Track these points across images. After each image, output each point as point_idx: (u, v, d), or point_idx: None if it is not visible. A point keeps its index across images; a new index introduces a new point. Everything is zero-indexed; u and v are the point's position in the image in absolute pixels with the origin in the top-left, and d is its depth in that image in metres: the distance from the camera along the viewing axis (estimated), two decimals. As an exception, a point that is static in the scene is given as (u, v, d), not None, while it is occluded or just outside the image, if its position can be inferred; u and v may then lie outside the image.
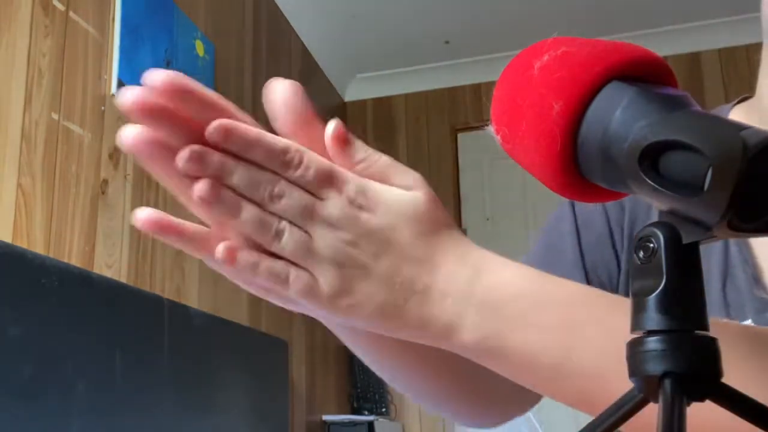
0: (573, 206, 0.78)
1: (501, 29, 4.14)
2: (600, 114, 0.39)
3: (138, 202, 2.37)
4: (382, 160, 0.49)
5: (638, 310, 0.37)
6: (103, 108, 2.25)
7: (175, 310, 2.24)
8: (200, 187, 0.44)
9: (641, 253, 0.38)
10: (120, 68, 2.31)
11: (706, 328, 0.37)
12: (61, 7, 2.11)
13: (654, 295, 0.37)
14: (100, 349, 1.87)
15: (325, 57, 4.33)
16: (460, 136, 4.59)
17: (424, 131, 4.64)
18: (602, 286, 0.74)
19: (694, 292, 0.37)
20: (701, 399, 0.36)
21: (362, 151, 0.48)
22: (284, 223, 0.45)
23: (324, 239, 0.45)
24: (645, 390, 0.37)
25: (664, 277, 0.37)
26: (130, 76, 2.37)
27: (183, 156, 0.43)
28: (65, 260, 1.98)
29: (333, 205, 0.46)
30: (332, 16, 4.02)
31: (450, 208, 4.50)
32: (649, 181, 0.37)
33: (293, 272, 0.46)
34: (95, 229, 2.16)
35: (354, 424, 3.79)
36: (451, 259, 0.48)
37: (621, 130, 0.38)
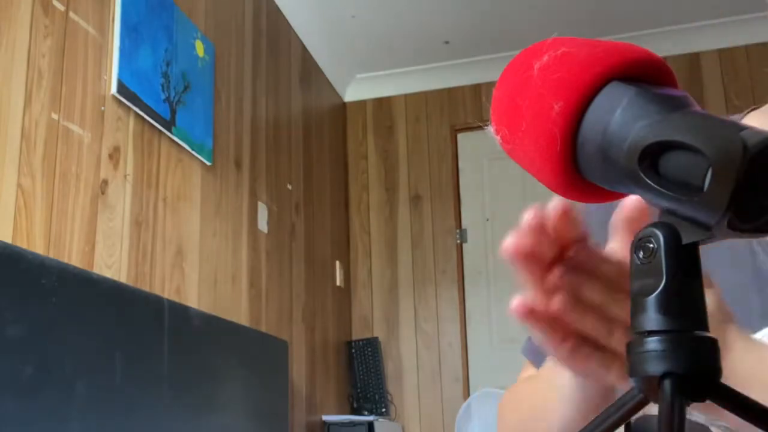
0: None
1: (501, 29, 4.14)
2: (600, 114, 0.39)
3: (138, 202, 2.37)
4: None
5: (638, 310, 0.37)
6: (103, 108, 2.25)
7: (175, 310, 2.24)
8: (557, 300, 0.50)
9: (641, 254, 0.38)
10: (120, 68, 2.31)
11: (706, 328, 0.37)
12: (61, 7, 2.11)
13: (654, 295, 0.37)
14: (100, 349, 1.87)
15: (325, 57, 4.33)
16: (459, 136, 4.59)
17: (424, 131, 4.64)
18: None
19: (694, 292, 0.37)
20: (701, 399, 0.36)
21: None
22: (616, 325, 0.50)
23: None
24: (645, 390, 0.37)
25: (664, 277, 0.37)
26: (130, 76, 2.37)
27: (550, 284, 0.49)
28: (65, 260, 1.98)
29: None
30: (332, 16, 4.02)
31: (450, 208, 4.50)
32: (649, 182, 0.37)
33: (617, 362, 0.51)
34: (95, 229, 2.16)
35: (354, 424, 3.79)
36: (738, 346, 0.53)
37: (621, 130, 0.38)
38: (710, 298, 0.52)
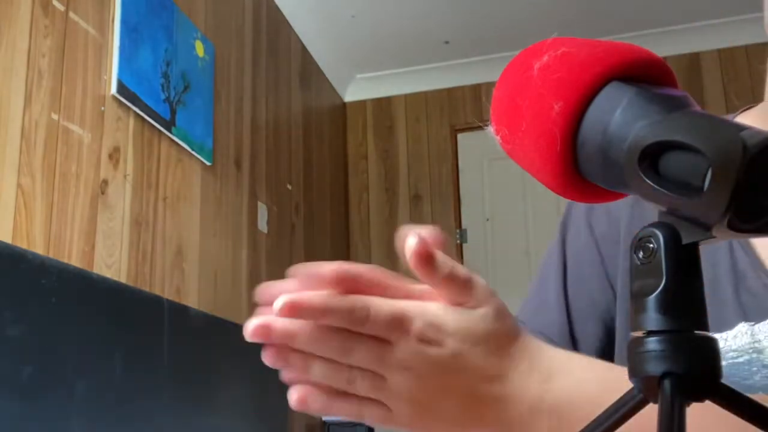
0: (563, 244, 0.78)
1: (501, 29, 4.14)
2: (600, 114, 0.39)
3: (138, 202, 2.37)
4: (461, 276, 0.50)
5: (638, 310, 0.37)
6: (103, 108, 2.25)
7: (175, 310, 2.24)
8: (265, 356, 0.50)
9: (641, 254, 0.38)
10: (120, 68, 2.31)
11: (706, 328, 0.37)
12: (60, 7, 2.11)
13: (654, 295, 0.36)
14: (100, 349, 1.87)
15: (325, 57, 4.33)
16: (459, 136, 4.59)
17: (424, 131, 4.63)
18: (584, 322, 0.74)
19: (694, 292, 0.37)
20: (701, 399, 0.36)
21: (445, 267, 0.49)
22: (355, 372, 0.49)
23: (396, 379, 0.49)
24: (645, 390, 0.37)
25: (664, 277, 0.36)
26: (130, 76, 2.36)
27: (248, 330, 0.49)
28: (65, 260, 1.98)
29: (402, 347, 0.48)
30: (332, 16, 4.02)
31: (450, 208, 4.50)
32: (649, 182, 0.37)
33: (367, 409, 0.50)
34: (95, 229, 2.16)
35: (354, 424, 3.79)
36: (521, 369, 0.51)
37: (621, 130, 0.38)
38: (483, 317, 0.49)
